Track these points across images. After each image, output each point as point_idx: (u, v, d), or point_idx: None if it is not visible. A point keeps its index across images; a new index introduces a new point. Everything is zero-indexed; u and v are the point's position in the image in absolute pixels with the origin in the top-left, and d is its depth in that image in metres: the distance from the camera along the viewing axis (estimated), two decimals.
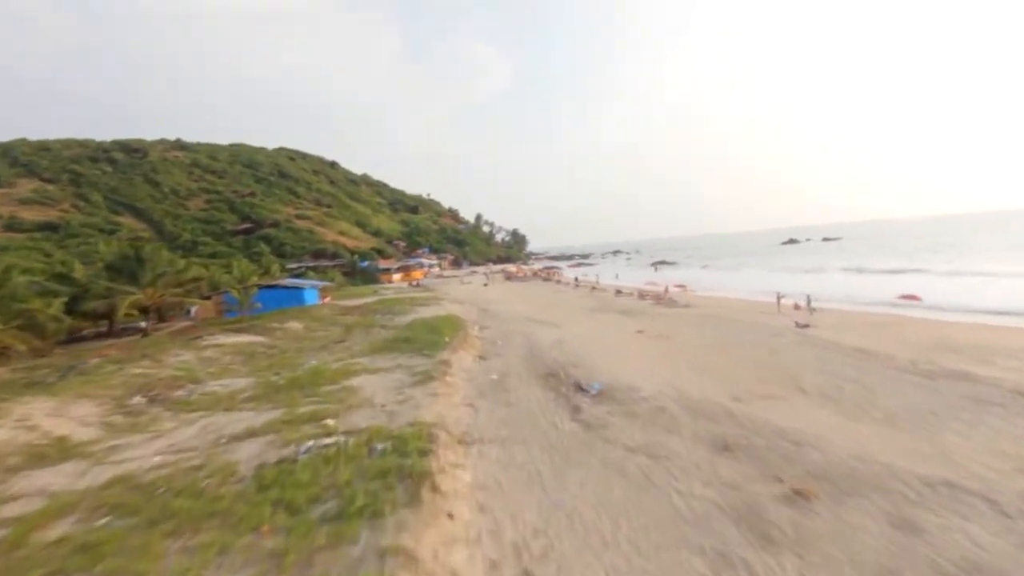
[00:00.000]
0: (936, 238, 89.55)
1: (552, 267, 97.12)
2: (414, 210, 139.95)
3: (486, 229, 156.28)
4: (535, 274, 78.60)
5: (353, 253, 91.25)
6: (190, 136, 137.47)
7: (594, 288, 47.97)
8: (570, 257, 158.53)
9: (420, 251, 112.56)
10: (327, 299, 38.70)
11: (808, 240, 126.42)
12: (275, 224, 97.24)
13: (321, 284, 44.85)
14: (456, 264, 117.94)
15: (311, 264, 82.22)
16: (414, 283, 66.91)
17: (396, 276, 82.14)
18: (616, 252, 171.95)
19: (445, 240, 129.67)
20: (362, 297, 41.11)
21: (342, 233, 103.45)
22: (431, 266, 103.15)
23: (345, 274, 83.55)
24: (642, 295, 38.99)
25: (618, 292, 42.09)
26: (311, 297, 33.28)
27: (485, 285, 61.57)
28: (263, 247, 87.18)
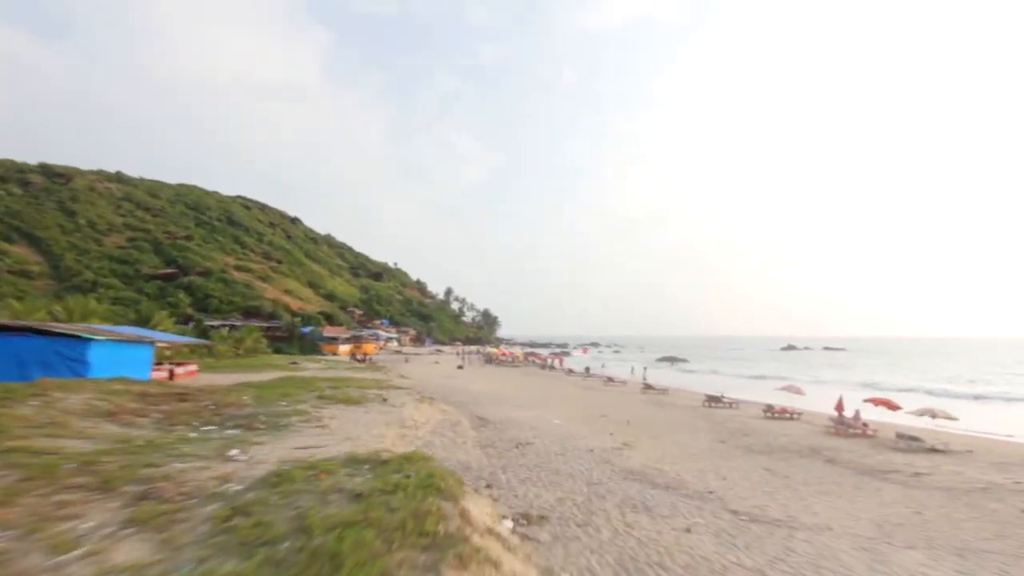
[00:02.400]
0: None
1: (556, 351, 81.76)
2: (377, 277, 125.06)
3: (456, 306, 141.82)
4: (525, 358, 63.46)
5: (295, 315, 74.84)
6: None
7: (648, 387, 33.59)
8: (545, 345, 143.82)
9: (378, 322, 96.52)
10: (180, 369, 22.41)
11: (807, 348, 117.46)
12: (205, 272, 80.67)
13: (169, 340, 25.18)
14: (418, 340, 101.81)
15: (237, 323, 65.43)
16: (360, 357, 50.46)
17: (343, 347, 65.77)
18: (594, 344, 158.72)
19: (409, 313, 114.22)
20: (257, 371, 25.29)
21: (288, 292, 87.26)
22: (389, 339, 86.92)
23: (279, 338, 66.93)
24: (842, 427, 19.23)
25: (713, 400, 26.67)
26: (135, 361, 16.76)
27: (460, 368, 46.16)
28: (181, 297, 70.29)
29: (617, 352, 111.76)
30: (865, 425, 18.14)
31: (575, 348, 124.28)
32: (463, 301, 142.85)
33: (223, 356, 33.02)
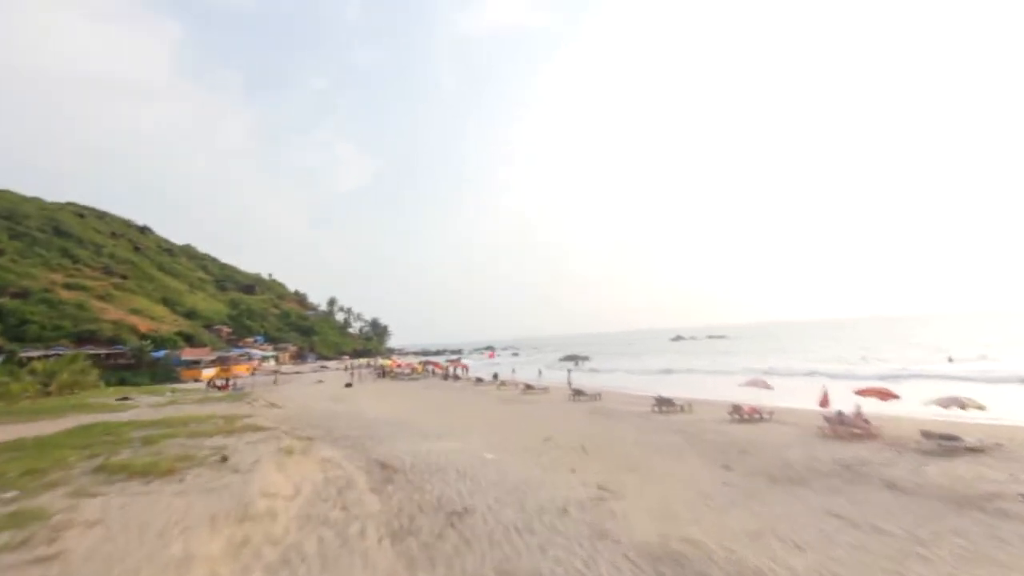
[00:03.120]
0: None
1: (454, 358, 75.85)
2: (248, 290, 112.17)
3: (341, 317, 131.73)
4: (424, 368, 57.41)
5: (144, 338, 63.28)
6: None
7: (578, 393, 28.62)
8: (438, 353, 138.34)
9: (251, 340, 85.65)
10: None
11: (693, 338, 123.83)
12: (21, 294, 66.04)
13: None
14: (299, 357, 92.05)
15: (65, 351, 53.38)
16: (221, 383, 41.45)
17: (208, 372, 56.16)
18: (488, 348, 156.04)
19: (288, 327, 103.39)
20: (54, 417, 17.94)
21: (135, 311, 74.24)
22: (264, 358, 77.07)
23: (124, 367, 55.81)
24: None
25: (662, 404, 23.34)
26: None
27: (349, 386, 40.02)
28: None
29: (516, 355, 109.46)
30: (867, 422, 15.59)
31: (472, 353, 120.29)
32: (349, 311, 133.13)
33: (17, 397, 24.62)
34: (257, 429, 14.39)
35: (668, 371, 48.48)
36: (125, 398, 25.51)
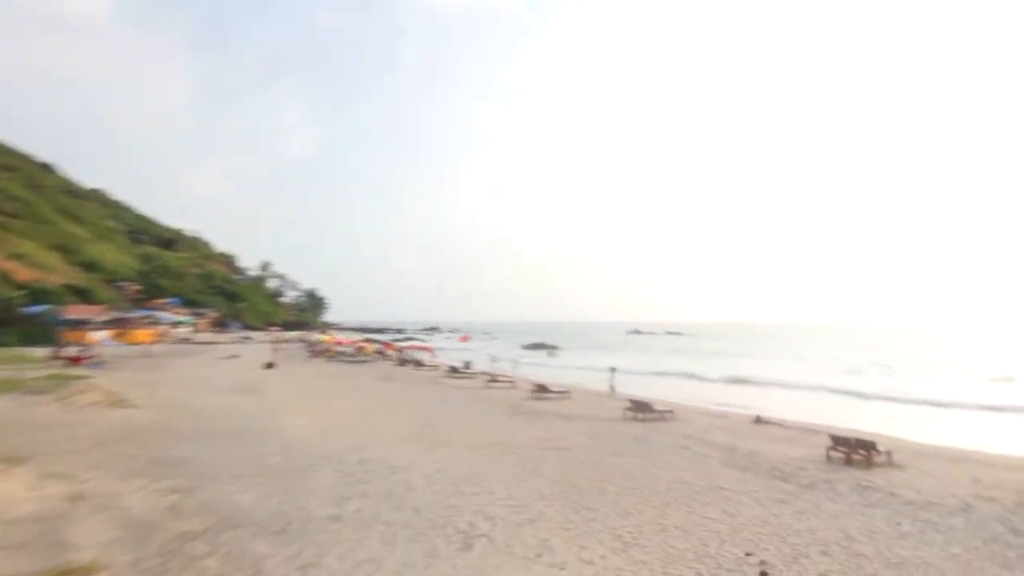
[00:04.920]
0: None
1: (411, 340, 67.12)
2: (167, 245, 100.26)
3: (273, 284, 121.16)
4: (364, 349, 48.42)
5: (21, 288, 52.85)
6: None
7: (640, 408, 18.72)
8: (380, 331, 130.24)
9: (163, 302, 75.35)
10: None
11: (652, 333, 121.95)
12: None
13: None
14: (220, 325, 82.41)
15: None
16: (76, 352, 31.42)
17: (99, 334, 47.03)
18: (434, 329, 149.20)
19: (211, 290, 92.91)
20: None
21: (16, 257, 62.80)
22: (176, 324, 67.58)
23: None
24: None
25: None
26: None
27: (270, 367, 32.86)
28: None
29: (495, 339, 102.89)
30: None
31: (419, 333, 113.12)
32: (283, 278, 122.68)
33: None
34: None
35: (739, 379, 40.22)
36: None
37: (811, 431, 17.43)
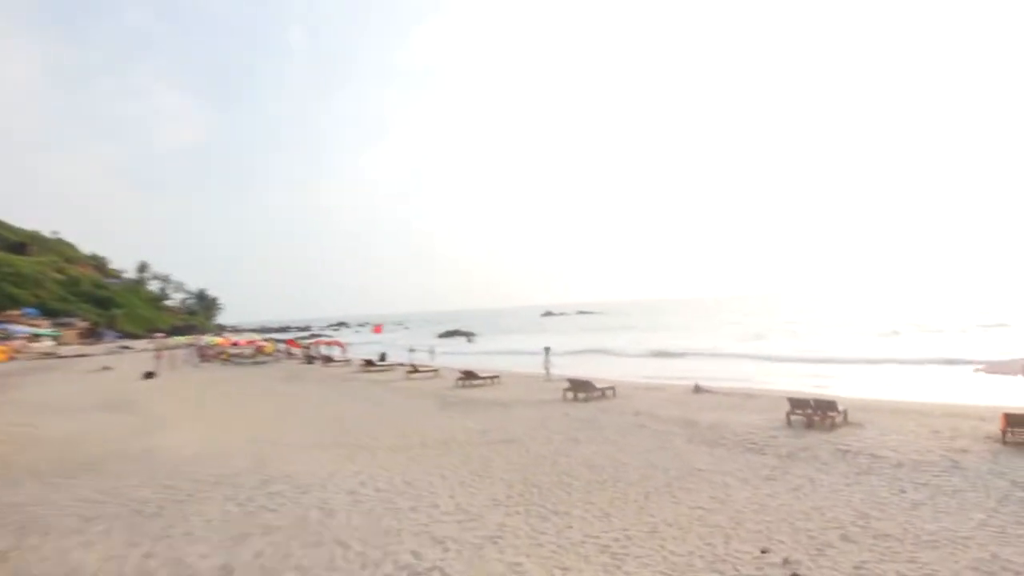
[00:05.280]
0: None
1: (316, 337, 61.34)
2: (18, 249, 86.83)
3: (155, 286, 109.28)
4: (276, 349, 44.02)
5: None
6: None
7: (578, 388, 17.57)
8: (282, 330, 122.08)
9: (17, 313, 64.95)
10: None
11: (564, 314, 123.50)
12: None
13: None
14: (92, 335, 72.67)
15: None
16: None
17: None
18: (341, 324, 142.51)
19: (77, 298, 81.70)
20: None
21: None
22: (36, 337, 58.36)
23: None
24: None
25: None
26: None
27: (150, 376, 28.45)
28: None
29: (360, 330, 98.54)
30: None
31: (325, 330, 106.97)
32: (166, 280, 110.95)
33: None
34: None
35: (660, 352, 39.66)
36: None
37: (751, 396, 16.98)
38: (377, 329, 65.92)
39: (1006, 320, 49.99)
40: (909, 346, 34.95)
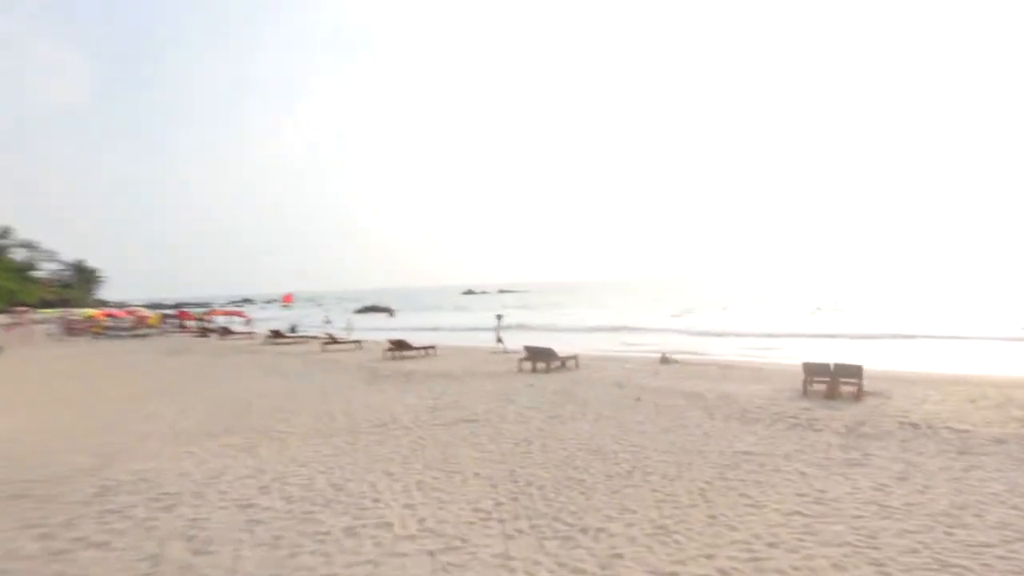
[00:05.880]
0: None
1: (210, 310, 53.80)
2: None
3: (21, 254, 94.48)
4: (162, 321, 37.83)
5: None
6: None
7: (537, 357, 16.80)
8: (176, 306, 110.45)
9: None
10: None
11: (485, 292, 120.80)
12: None
13: None
14: None
15: None
16: None
17: None
18: (246, 301, 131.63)
19: None
20: None
21: None
22: None
23: None
24: None
25: None
26: None
27: None
28: None
29: (287, 308, 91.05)
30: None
31: (227, 306, 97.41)
32: (33, 247, 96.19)
33: None
34: None
35: (596, 328, 37.04)
36: None
37: (729, 367, 15.10)
38: (287, 299, 59.90)
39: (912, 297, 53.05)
40: (835, 322, 35.36)
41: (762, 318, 40.84)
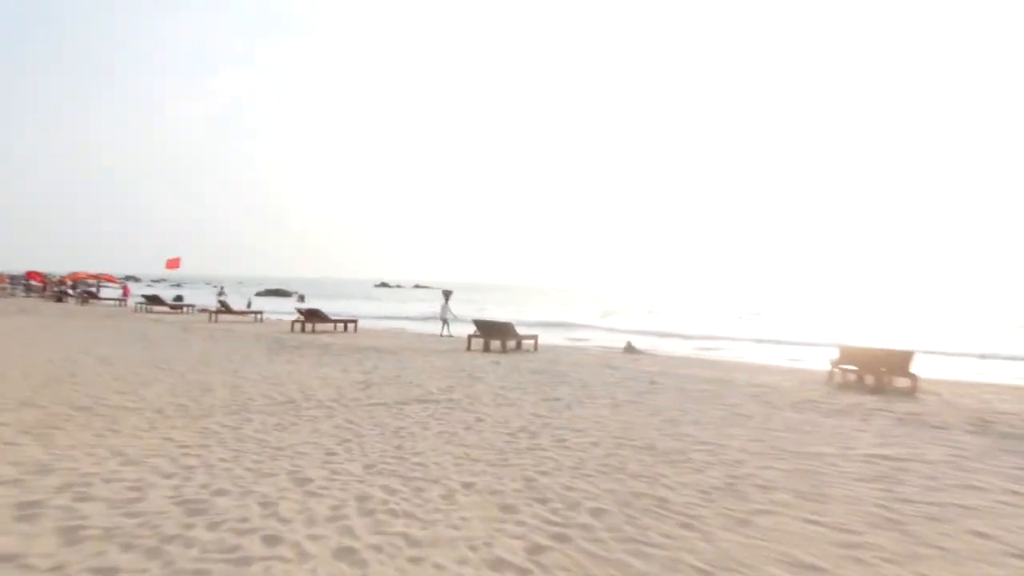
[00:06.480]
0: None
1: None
2: None
3: None
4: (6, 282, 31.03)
5: None
6: None
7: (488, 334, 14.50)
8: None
9: None
10: None
11: (399, 286, 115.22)
12: None
13: None
14: None
15: None
16: None
17: None
18: (129, 278, 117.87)
19: None
20: None
21: None
22: None
23: None
24: None
25: None
26: None
27: None
28: None
29: (180, 287, 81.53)
30: None
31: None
32: None
33: None
34: None
35: (526, 323, 34.70)
36: None
37: (699, 359, 13.10)
38: (172, 263, 52.33)
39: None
40: (762, 327, 35.30)
41: (692, 322, 40.46)
